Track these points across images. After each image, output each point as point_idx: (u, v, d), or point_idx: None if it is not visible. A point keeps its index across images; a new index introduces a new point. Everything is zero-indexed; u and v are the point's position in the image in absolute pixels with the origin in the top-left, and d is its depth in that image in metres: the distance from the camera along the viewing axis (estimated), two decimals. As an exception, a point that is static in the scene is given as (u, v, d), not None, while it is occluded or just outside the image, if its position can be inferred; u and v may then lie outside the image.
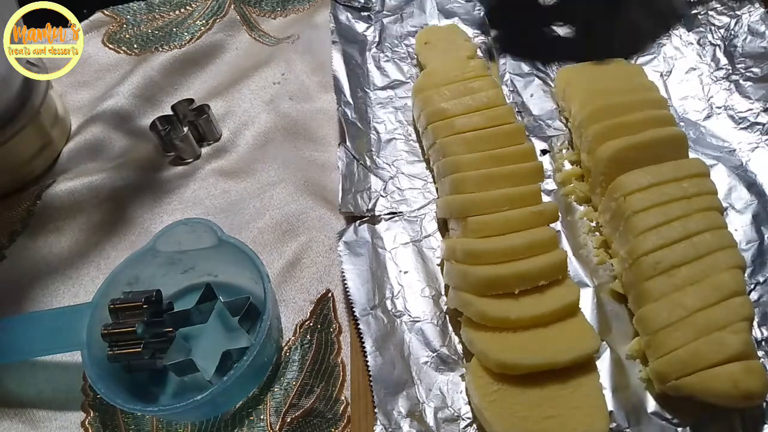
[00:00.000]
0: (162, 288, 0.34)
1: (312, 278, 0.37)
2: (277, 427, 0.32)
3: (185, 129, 0.42)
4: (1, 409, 0.33)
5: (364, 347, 0.32)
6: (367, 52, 0.46)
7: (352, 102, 0.42)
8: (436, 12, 0.48)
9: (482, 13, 0.47)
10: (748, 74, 0.41)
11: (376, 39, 0.46)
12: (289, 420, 0.32)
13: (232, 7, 0.51)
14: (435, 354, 0.32)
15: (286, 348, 0.34)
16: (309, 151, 0.43)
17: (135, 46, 0.49)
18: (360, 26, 0.47)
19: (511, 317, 0.30)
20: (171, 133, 0.42)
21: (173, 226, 0.33)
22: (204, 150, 0.43)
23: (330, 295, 0.36)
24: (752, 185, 0.37)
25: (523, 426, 0.28)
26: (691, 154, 0.37)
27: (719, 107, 0.41)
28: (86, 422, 0.33)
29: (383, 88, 0.44)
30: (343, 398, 0.32)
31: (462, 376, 0.31)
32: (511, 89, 0.43)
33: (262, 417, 0.32)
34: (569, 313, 0.31)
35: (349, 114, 0.41)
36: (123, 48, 0.49)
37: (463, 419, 0.30)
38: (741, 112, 0.40)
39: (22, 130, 0.40)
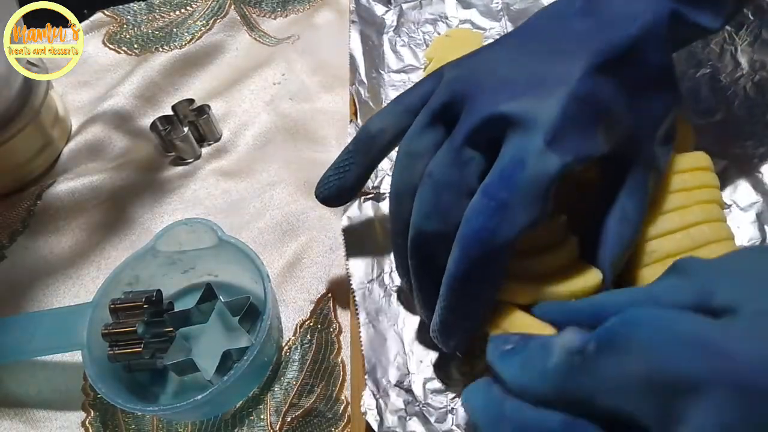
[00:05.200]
0: (162, 288, 0.34)
1: (312, 278, 0.37)
2: (278, 426, 0.32)
3: (185, 129, 0.42)
4: (1, 409, 0.33)
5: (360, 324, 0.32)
6: (384, 34, 0.46)
7: (366, 82, 0.42)
8: (455, 2, 0.48)
9: (500, 6, 0.47)
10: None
11: (394, 23, 0.47)
12: (289, 420, 0.32)
13: (233, 7, 0.51)
14: (429, 329, 0.32)
15: (286, 348, 0.34)
16: (309, 151, 0.43)
17: (135, 46, 0.49)
18: (379, 9, 0.47)
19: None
20: (171, 133, 0.42)
21: (173, 226, 0.33)
22: (204, 150, 0.43)
23: (330, 294, 0.36)
24: (758, 183, 0.37)
25: None
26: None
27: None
28: (86, 422, 0.33)
29: (397, 72, 0.44)
30: (343, 398, 0.32)
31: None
32: None
33: (262, 417, 0.32)
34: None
35: (362, 93, 0.41)
36: (123, 48, 0.49)
37: (451, 391, 0.30)
38: (741, 115, 0.40)
39: (23, 130, 0.40)
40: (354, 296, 0.33)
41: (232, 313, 0.33)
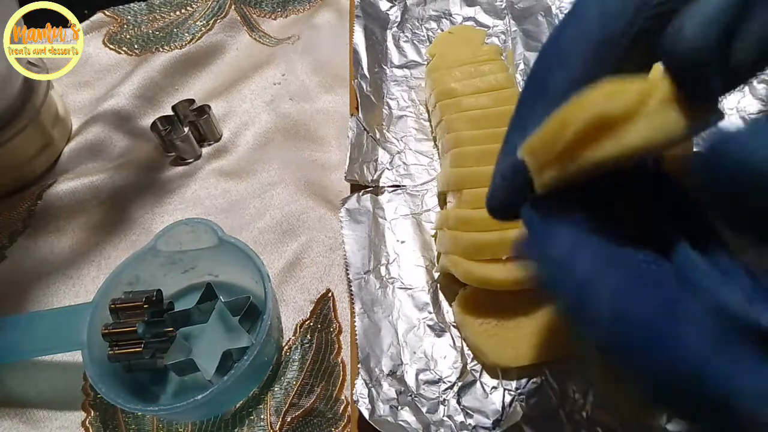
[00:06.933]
0: (162, 288, 0.34)
1: (312, 278, 0.37)
2: (278, 426, 0.32)
3: (186, 129, 0.42)
4: (2, 409, 0.33)
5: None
6: (387, 30, 0.46)
7: (368, 76, 0.42)
8: None
9: (503, 5, 0.47)
10: (762, 76, 0.41)
11: (398, 19, 0.47)
12: (289, 420, 0.32)
13: (233, 7, 0.51)
14: (423, 320, 0.32)
15: (286, 348, 0.34)
16: (309, 151, 0.43)
17: (136, 46, 0.49)
18: (384, 4, 0.48)
19: (497, 277, 0.30)
20: (172, 133, 0.42)
21: (174, 226, 0.33)
22: (204, 150, 0.43)
23: (330, 294, 0.36)
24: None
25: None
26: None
27: (731, 108, 0.40)
28: (86, 422, 0.33)
29: (400, 67, 0.44)
30: (343, 398, 0.32)
31: (449, 343, 0.32)
32: (525, 78, 0.43)
33: (262, 416, 0.32)
34: None
35: (364, 87, 0.42)
36: (124, 48, 0.49)
37: (444, 382, 0.30)
38: (753, 113, 0.40)
39: (23, 130, 0.40)
40: (352, 298, 0.33)
41: (232, 313, 0.33)
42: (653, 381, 0.15)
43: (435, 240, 0.36)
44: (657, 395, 0.15)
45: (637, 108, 0.16)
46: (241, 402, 0.32)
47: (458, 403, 0.30)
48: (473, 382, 0.30)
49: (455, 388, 0.30)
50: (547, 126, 0.17)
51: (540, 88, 0.19)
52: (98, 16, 0.51)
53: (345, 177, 0.37)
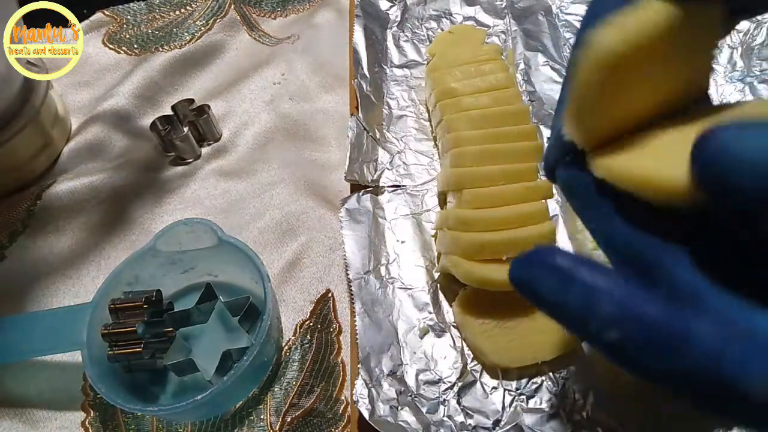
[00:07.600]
0: (162, 288, 0.34)
1: (312, 278, 0.37)
2: (277, 426, 0.32)
3: (185, 129, 0.42)
4: (1, 409, 0.33)
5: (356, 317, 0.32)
6: (387, 29, 0.46)
7: (368, 75, 0.42)
8: None
9: (504, 4, 0.47)
10: (763, 77, 0.41)
11: (398, 18, 0.47)
12: (289, 420, 0.32)
13: (232, 7, 0.51)
14: (423, 320, 0.32)
15: (286, 348, 0.34)
16: (309, 151, 0.43)
17: (135, 46, 0.49)
18: (384, 4, 0.48)
19: (497, 277, 0.30)
20: (171, 133, 0.42)
21: (173, 226, 0.33)
22: (204, 150, 0.43)
23: (330, 294, 0.36)
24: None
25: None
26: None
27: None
28: (86, 422, 0.33)
29: (400, 67, 0.44)
30: (343, 398, 0.32)
31: (449, 343, 0.32)
32: (525, 78, 0.43)
33: (262, 417, 0.32)
34: None
35: (364, 86, 0.42)
36: (123, 48, 0.49)
37: (444, 382, 0.30)
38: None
39: (23, 130, 0.40)
40: (352, 298, 0.33)
41: (232, 313, 0.33)
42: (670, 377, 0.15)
43: (435, 240, 0.36)
44: (676, 391, 0.15)
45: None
46: (241, 402, 0.32)
47: (458, 403, 0.30)
48: (473, 382, 0.30)
49: (455, 389, 0.30)
50: (571, 95, 0.17)
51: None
52: (98, 15, 0.51)
53: (345, 177, 0.37)
